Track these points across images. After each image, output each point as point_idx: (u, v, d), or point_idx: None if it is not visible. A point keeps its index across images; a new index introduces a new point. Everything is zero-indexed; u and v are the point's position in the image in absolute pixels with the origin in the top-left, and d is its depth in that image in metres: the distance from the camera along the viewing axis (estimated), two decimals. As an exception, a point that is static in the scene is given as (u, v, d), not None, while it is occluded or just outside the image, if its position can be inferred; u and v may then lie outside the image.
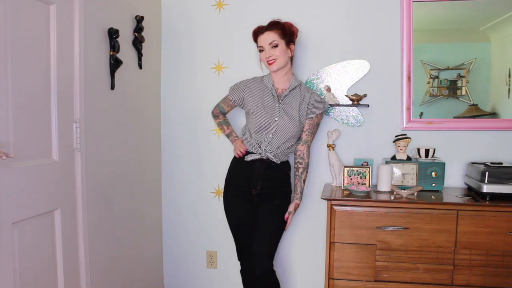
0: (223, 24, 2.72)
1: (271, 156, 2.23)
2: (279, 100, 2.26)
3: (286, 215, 2.27)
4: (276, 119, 2.22)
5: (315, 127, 2.32)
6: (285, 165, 2.32)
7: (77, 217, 1.94)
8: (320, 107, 2.29)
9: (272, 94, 2.27)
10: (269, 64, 2.22)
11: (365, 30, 2.57)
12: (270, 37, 2.20)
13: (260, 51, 2.25)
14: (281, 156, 2.27)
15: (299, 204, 2.32)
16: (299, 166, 2.30)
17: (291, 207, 2.29)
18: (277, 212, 2.26)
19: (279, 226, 2.27)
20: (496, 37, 2.48)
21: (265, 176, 2.24)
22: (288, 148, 2.28)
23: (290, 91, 2.27)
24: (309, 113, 2.27)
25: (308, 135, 2.31)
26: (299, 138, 2.32)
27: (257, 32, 2.25)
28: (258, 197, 2.25)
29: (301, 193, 2.32)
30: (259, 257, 2.20)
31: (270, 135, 2.23)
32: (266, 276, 2.22)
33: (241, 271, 2.37)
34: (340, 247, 2.24)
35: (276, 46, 2.19)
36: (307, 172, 2.33)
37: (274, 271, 2.25)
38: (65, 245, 1.85)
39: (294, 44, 2.29)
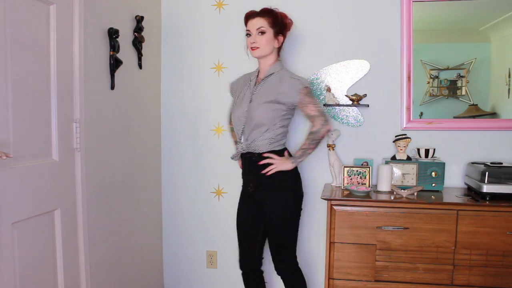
0: (223, 24, 2.72)
1: (250, 148, 2.16)
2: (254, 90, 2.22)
3: (268, 161, 2.13)
4: (246, 109, 2.18)
5: (305, 99, 2.12)
6: (280, 153, 2.18)
7: (77, 217, 1.94)
8: (294, 92, 2.12)
9: (251, 85, 2.24)
10: (252, 49, 2.18)
11: (365, 30, 2.57)
12: (259, 23, 2.16)
13: (247, 35, 2.21)
14: (264, 146, 2.14)
15: (286, 167, 2.13)
16: (308, 135, 2.18)
17: (276, 158, 2.13)
18: (290, 210, 2.19)
19: (286, 225, 2.19)
20: (496, 37, 2.48)
21: (254, 172, 2.18)
22: (271, 137, 2.13)
23: (264, 78, 2.20)
24: (290, 100, 2.13)
25: (305, 109, 2.14)
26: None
27: (249, 16, 2.22)
28: (257, 195, 2.21)
29: (296, 158, 2.14)
30: (273, 256, 2.24)
31: (242, 126, 2.19)
32: (287, 275, 2.25)
33: (241, 270, 2.38)
34: (340, 247, 2.24)
35: (263, 33, 2.15)
36: (313, 143, 2.14)
37: (298, 269, 2.28)
38: (65, 245, 1.85)
39: (284, 36, 2.23)
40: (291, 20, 2.29)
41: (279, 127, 2.16)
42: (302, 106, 2.15)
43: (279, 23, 2.20)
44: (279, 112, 2.14)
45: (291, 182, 2.19)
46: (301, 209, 2.25)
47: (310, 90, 2.16)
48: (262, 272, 2.36)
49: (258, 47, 2.16)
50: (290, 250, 2.25)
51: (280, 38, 2.22)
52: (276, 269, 2.26)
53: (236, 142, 2.42)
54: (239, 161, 2.34)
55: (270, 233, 2.22)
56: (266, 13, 2.18)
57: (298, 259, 2.27)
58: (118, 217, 2.31)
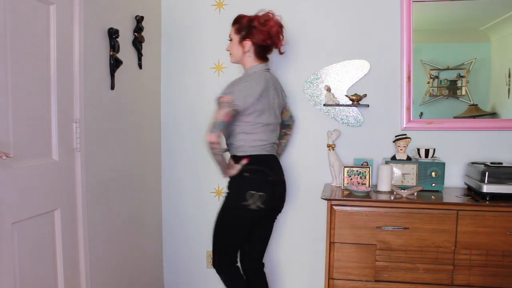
0: (223, 24, 2.71)
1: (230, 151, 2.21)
2: None
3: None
4: None
5: (216, 108, 2.11)
6: (238, 160, 2.13)
7: (77, 217, 1.95)
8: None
9: None
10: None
11: (365, 30, 2.57)
12: (230, 31, 2.24)
13: None
14: (231, 150, 2.19)
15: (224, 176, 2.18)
16: None
17: (230, 165, 2.15)
18: (219, 214, 2.21)
19: (217, 222, 2.21)
20: (496, 37, 2.48)
21: None
22: (231, 143, 2.16)
23: None
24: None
25: None
26: None
27: None
28: None
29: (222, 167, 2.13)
30: None
31: None
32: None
33: None
34: (340, 247, 2.24)
35: (230, 40, 2.23)
36: (211, 155, 2.09)
37: (220, 272, 2.33)
38: (65, 245, 1.85)
39: (252, 39, 2.13)
40: (276, 22, 2.18)
41: (237, 134, 2.12)
42: None
43: (244, 29, 2.15)
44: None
45: (233, 190, 2.15)
46: (237, 223, 2.15)
47: (223, 101, 2.05)
48: (243, 269, 2.39)
49: (230, 54, 2.25)
50: (216, 251, 2.26)
51: (246, 43, 2.14)
52: None
53: None
54: None
55: None
56: (234, 21, 2.23)
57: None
58: (118, 217, 2.31)
